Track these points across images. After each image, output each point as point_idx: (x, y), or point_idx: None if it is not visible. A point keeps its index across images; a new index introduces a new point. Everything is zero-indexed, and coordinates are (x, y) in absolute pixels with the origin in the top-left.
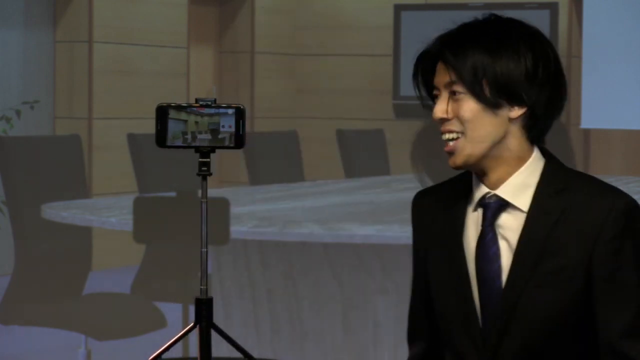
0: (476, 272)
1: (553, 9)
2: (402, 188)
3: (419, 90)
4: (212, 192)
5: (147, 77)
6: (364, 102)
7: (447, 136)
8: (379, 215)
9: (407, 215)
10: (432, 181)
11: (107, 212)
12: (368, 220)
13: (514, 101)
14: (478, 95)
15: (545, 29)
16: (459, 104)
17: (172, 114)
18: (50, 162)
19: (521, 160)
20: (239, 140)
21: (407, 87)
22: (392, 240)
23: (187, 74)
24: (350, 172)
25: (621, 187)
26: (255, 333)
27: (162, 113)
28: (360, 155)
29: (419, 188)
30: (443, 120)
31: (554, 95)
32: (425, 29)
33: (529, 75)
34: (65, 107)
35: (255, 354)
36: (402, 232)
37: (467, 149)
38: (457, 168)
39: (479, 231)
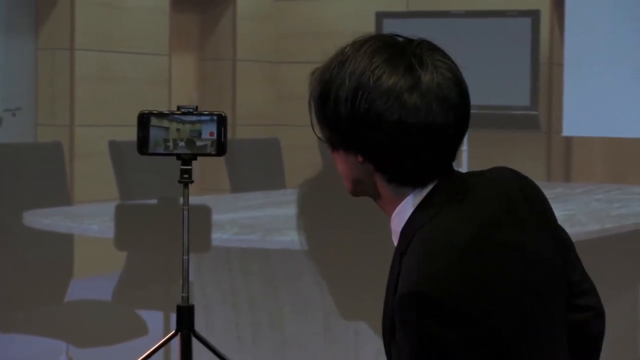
0: None
1: (535, 16)
2: None
3: None
4: (194, 199)
5: (129, 84)
6: None
7: None
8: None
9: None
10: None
11: (89, 220)
12: None
13: (342, 146)
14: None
15: (526, 37)
16: None
17: (154, 121)
18: (32, 170)
19: (394, 204)
20: (220, 148)
21: None
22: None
23: (168, 81)
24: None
25: (602, 195)
26: (236, 340)
27: (143, 120)
28: None
29: None
30: None
31: (369, 138)
32: None
33: (326, 121)
34: (47, 114)
35: None
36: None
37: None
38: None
39: None
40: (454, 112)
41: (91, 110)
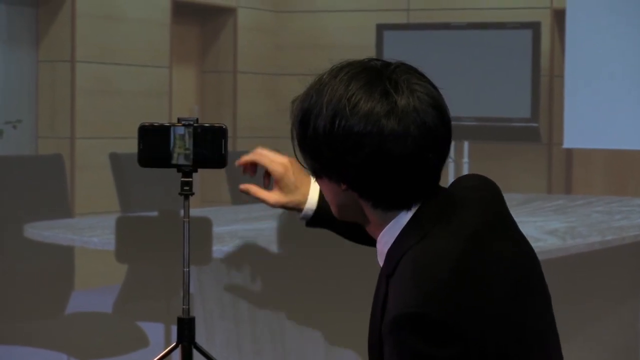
0: None
1: (535, 28)
2: None
3: None
4: (194, 211)
5: (130, 96)
6: None
7: None
8: None
9: None
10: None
11: (90, 232)
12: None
13: (324, 173)
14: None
15: (527, 49)
16: None
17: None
18: (33, 182)
19: (381, 226)
20: (221, 160)
21: None
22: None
23: (169, 93)
24: None
25: (603, 207)
26: (237, 353)
27: (144, 132)
28: None
29: None
30: None
31: (349, 165)
32: (408, 49)
33: (307, 149)
34: (48, 127)
35: None
36: None
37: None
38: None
39: None
40: (433, 134)
41: (92, 122)
